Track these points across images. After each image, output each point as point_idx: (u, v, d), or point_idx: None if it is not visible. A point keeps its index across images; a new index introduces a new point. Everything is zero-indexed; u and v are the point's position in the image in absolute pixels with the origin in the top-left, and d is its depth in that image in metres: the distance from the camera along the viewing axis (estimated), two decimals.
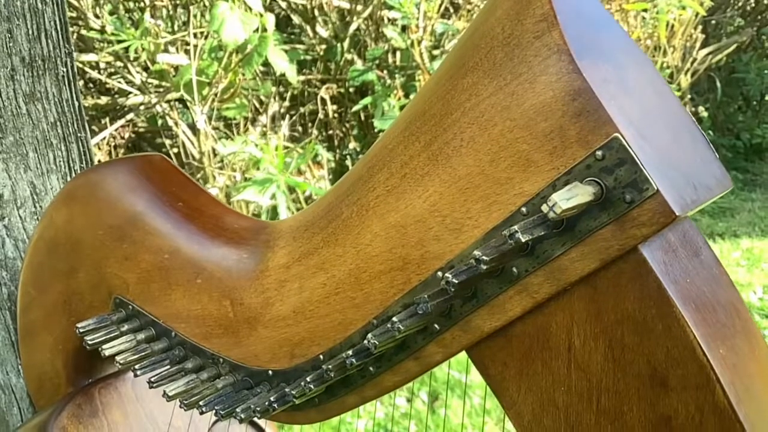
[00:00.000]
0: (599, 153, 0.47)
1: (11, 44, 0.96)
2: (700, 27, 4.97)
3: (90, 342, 0.79)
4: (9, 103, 0.97)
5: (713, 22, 5.73)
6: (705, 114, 5.71)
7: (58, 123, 1.03)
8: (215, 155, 3.12)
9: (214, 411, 0.71)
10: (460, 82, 0.55)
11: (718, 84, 5.65)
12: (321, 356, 0.65)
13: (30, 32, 0.97)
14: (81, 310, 0.87)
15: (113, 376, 0.96)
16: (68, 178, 1.05)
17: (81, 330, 0.80)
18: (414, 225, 0.57)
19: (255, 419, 1.02)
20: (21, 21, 0.96)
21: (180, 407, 0.73)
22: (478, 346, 0.57)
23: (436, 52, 3.49)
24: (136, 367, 0.76)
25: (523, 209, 0.51)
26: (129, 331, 0.79)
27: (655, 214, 0.46)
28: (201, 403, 0.71)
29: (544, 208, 0.46)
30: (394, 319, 0.55)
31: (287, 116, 3.69)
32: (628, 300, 0.49)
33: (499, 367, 0.57)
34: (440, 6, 3.37)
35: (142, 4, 3.30)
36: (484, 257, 0.49)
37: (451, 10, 3.89)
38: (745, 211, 5.44)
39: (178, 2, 3.30)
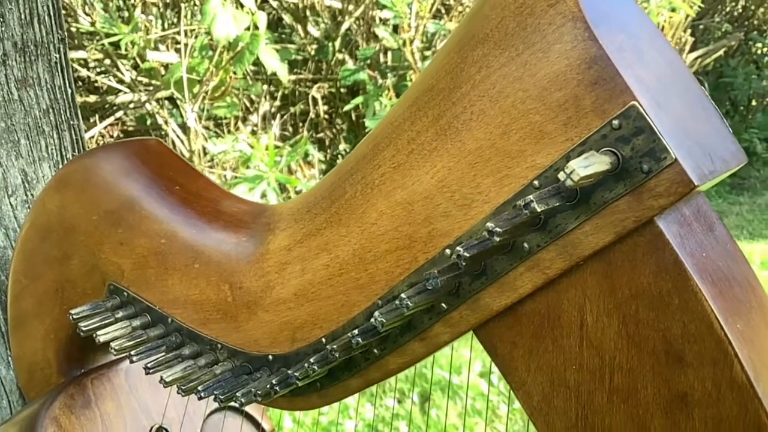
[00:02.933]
0: (616, 122, 0.46)
1: (3, 29, 0.95)
2: (689, 30, 5.00)
3: (84, 328, 0.77)
4: (0, 88, 0.96)
5: (701, 26, 5.76)
6: None
7: (51, 110, 1.01)
8: (205, 154, 3.15)
9: (213, 396, 0.70)
10: (470, 54, 0.54)
11: (707, 88, 5.68)
12: (323, 339, 0.64)
13: (23, 17, 0.96)
14: (74, 297, 0.86)
15: (106, 367, 0.95)
16: (60, 166, 1.04)
17: (74, 316, 0.79)
18: (421, 202, 0.56)
19: (250, 413, 1.01)
20: (13, 5, 0.95)
21: (177, 393, 0.72)
22: (487, 325, 0.56)
23: (427, 53, 3.50)
24: (132, 353, 0.75)
25: (536, 182, 0.50)
26: (124, 318, 0.78)
27: (673, 184, 0.45)
28: (199, 388, 0.70)
29: (561, 175, 0.45)
30: (403, 295, 0.54)
31: (278, 115, 3.70)
32: (643, 274, 0.48)
33: (507, 346, 0.56)
34: (432, 6, 3.38)
35: (133, 1, 3.31)
36: (497, 229, 0.48)
37: (443, 11, 3.91)
38: (733, 215, 5.47)
39: (168, 1, 3.30)
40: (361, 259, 0.61)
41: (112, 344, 0.76)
